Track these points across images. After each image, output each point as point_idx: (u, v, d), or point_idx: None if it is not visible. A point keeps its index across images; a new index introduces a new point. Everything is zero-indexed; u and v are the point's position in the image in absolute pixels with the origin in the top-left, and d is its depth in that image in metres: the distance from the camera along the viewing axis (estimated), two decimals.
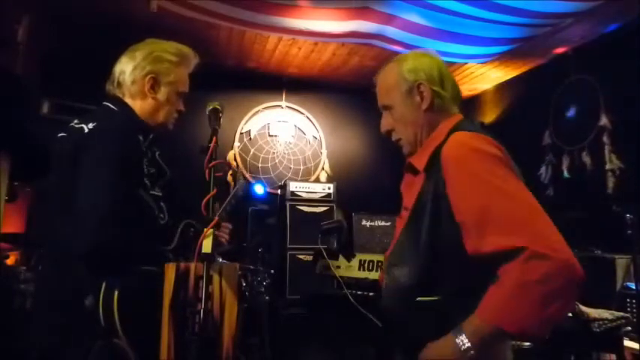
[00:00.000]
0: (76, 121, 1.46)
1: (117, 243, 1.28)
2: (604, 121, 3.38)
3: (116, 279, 1.26)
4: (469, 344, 1.09)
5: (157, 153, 1.56)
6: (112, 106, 1.52)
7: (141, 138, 1.48)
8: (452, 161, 1.23)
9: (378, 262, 2.64)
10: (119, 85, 1.55)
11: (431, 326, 1.18)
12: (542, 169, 3.90)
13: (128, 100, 1.54)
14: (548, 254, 1.08)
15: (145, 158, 1.48)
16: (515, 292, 1.07)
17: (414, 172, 1.40)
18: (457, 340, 1.11)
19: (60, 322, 1.34)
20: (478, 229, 1.14)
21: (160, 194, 1.51)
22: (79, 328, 1.30)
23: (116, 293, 1.25)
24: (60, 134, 1.48)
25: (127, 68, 1.54)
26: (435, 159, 1.29)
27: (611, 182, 3.27)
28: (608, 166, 3.30)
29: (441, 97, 1.40)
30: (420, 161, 1.36)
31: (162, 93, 1.56)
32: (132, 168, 1.41)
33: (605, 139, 3.37)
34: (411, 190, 1.39)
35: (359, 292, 1.79)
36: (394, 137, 1.45)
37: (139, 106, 1.55)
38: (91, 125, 1.40)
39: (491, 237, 1.12)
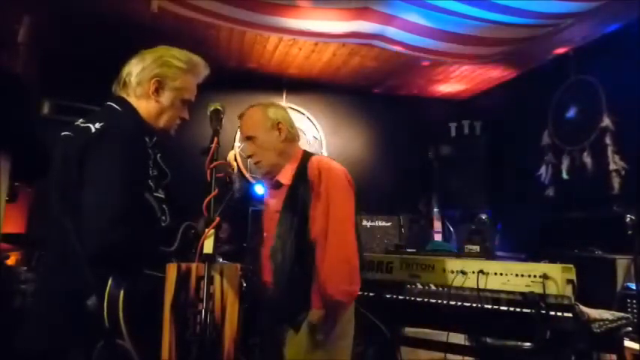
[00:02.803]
0: (81, 121, 1.45)
1: (126, 244, 1.27)
2: (606, 121, 3.37)
3: (122, 280, 1.26)
4: None
5: (159, 155, 1.56)
6: (116, 107, 1.51)
7: (147, 139, 1.49)
8: (316, 175, 1.86)
9: (378, 262, 2.66)
10: (125, 85, 1.55)
11: (300, 286, 1.81)
12: (542, 170, 3.90)
13: (132, 101, 1.54)
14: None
15: (150, 160, 1.49)
16: None
17: (278, 186, 1.98)
18: None
19: (59, 323, 1.34)
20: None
21: (163, 196, 1.52)
22: (78, 329, 1.30)
23: (122, 294, 1.25)
24: (64, 133, 1.46)
25: (134, 70, 1.55)
26: (298, 176, 1.91)
27: (616, 183, 3.26)
28: (611, 167, 3.29)
29: (291, 133, 2.01)
30: (285, 178, 1.95)
31: (166, 97, 1.56)
32: (139, 169, 1.41)
33: (607, 139, 3.36)
34: (276, 198, 1.96)
35: (359, 292, 1.86)
36: (254, 160, 2.00)
37: (142, 107, 1.55)
38: (98, 125, 1.38)
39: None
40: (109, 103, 1.53)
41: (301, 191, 1.88)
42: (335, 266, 1.77)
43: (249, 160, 2.08)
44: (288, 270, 1.83)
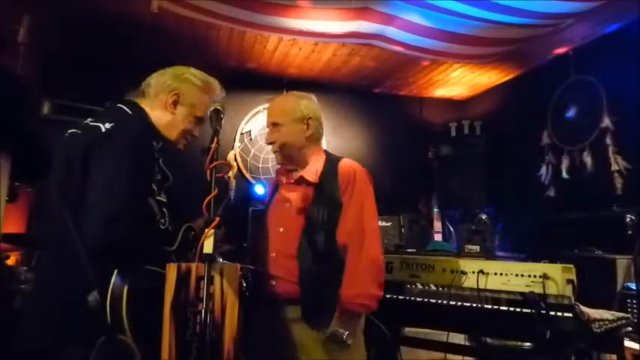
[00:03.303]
0: (90, 120, 1.47)
1: (122, 242, 1.29)
2: (607, 122, 3.37)
3: (126, 275, 1.27)
4: None
5: (161, 160, 1.58)
6: (127, 109, 1.54)
7: (154, 143, 1.51)
8: (349, 179, 1.88)
9: None
10: (142, 95, 1.62)
11: (328, 287, 1.79)
12: (543, 170, 3.90)
13: (146, 109, 1.58)
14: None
15: (155, 164, 1.51)
16: None
17: (301, 182, 1.93)
18: None
19: (59, 321, 1.35)
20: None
21: (165, 200, 1.53)
22: (78, 326, 1.30)
23: (126, 289, 1.26)
24: (70, 131, 1.48)
25: (153, 82, 1.63)
26: (327, 176, 1.89)
27: (618, 183, 3.26)
28: (613, 167, 3.29)
29: (318, 132, 1.99)
30: (311, 176, 1.91)
31: (182, 111, 1.62)
32: (144, 171, 1.43)
33: (608, 140, 3.36)
34: (298, 194, 1.92)
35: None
36: (274, 148, 1.96)
37: (155, 116, 1.59)
38: (108, 125, 1.41)
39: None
40: (119, 105, 1.56)
41: (331, 192, 1.87)
42: (367, 269, 1.79)
43: (269, 146, 2.01)
44: (315, 270, 1.81)
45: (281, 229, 1.92)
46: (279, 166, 2.08)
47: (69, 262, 1.34)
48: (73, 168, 1.37)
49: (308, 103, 1.98)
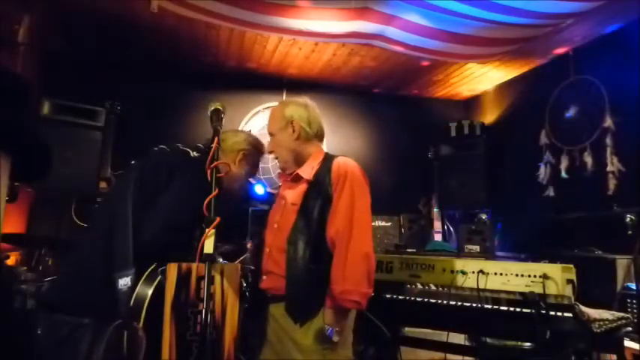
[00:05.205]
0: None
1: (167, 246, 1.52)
2: (609, 122, 3.37)
3: (159, 274, 1.33)
4: None
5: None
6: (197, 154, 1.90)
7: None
8: (342, 175, 1.90)
9: (378, 262, 2.66)
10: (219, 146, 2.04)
11: (315, 282, 1.80)
12: (541, 170, 3.90)
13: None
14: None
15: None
16: None
17: (297, 180, 2.00)
18: None
19: (87, 293, 1.49)
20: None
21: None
22: (101, 303, 1.43)
23: (156, 282, 1.30)
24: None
25: (229, 139, 2.07)
26: (321, 173, 1.94)
27: (611, 184, 3.26)
28: (609, 168, 3.30)
29: (307, 132, 2.02)
30: (306, 173, 1.97)
31: (245, 168, 2.09)
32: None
33: (608, 140, 3.36)
34: (294, 191, 1.98)
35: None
36: (273, 156, 2.07)
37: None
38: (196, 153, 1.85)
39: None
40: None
41: (324, 188, 1.90)
42: (355, 265, 1.77)
43: (271, 155, 2.12)
44: (304, 265, 1.81)
45: (275, 225, 1.98)
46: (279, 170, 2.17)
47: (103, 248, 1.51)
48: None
49: (292, 107, 2.04)
